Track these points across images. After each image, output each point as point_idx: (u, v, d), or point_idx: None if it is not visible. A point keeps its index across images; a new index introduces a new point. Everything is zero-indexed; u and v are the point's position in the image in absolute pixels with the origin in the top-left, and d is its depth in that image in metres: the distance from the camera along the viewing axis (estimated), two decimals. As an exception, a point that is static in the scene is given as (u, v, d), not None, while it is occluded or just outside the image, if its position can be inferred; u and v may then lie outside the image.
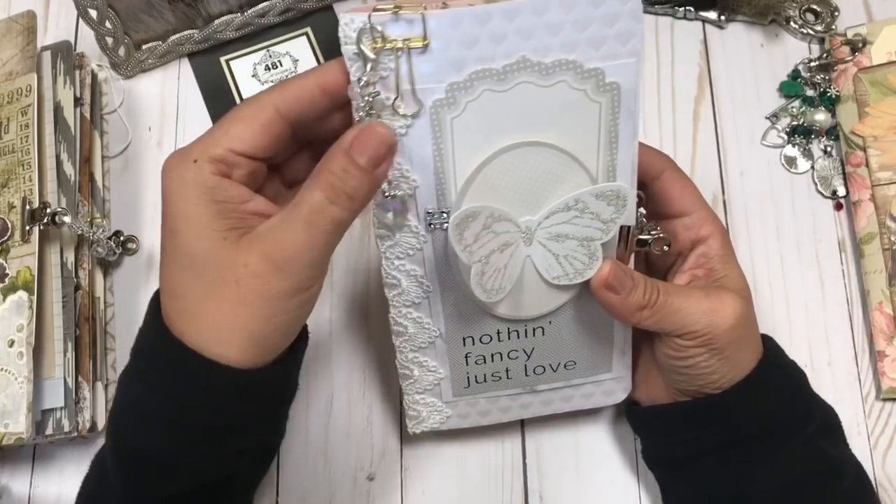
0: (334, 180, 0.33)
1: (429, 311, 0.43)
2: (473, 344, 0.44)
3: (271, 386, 0.38)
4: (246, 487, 0.44)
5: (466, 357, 0.44)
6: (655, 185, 0.43)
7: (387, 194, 0.37)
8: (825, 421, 0.44)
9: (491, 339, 0.44)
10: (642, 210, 0.43)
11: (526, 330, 0.43)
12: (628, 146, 0.38)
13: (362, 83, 0.34)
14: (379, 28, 0.33)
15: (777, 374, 0.43)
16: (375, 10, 0.33)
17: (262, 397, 0.38)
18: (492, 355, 0.44)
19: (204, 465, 0.37)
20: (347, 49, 0.34)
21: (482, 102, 0.36)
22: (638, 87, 0.36)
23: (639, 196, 0.43)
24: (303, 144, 0.38)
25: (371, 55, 0.34)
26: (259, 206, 0.36)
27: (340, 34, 0.34)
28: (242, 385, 0.35)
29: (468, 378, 0.45)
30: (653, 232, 0.42)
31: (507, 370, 0.45)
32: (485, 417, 0.47)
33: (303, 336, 0.41)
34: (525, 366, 0.45)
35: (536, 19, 0.34)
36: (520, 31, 0.34)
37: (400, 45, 0.34)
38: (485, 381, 0.45)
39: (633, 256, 0.42)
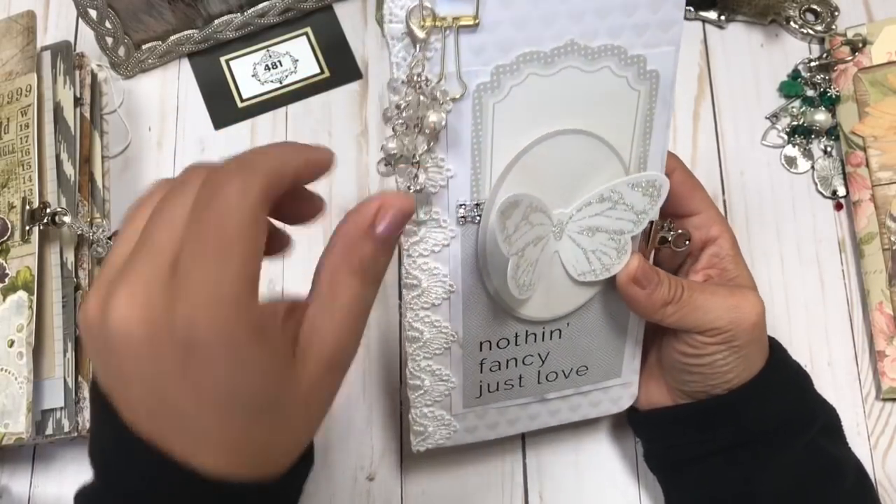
0: (368, 266, 0.31)
1: (448, 313, 0.41)
2: (490, 349, 0.42)
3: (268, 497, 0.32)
4: None
5: (482, 363, 0.43)
6: None
7: (413, 188, 0.35)
8: (828, 421, 0.44)
9: (508, 343, 0.42)
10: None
11: (544, 333, 0.42)
12: (661, 136, 0.38)
13: (413, 65, 0.33)
14: (428, 5, 0.32)
15: (785, 373, 0.43)
16: None
17: None
18: (507, 361, 0.43)
19: None
20: (394, 28, 0.33)
21: (527, 87, 0.35)
22: (675, 77, 0.36)
23: None
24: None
25: (420, 35, 0.32)
26: (277, 307, 0.30)
27: (386, 12, 0.32)
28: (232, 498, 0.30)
29: (481, 387, 0.44)
30: (669, 228, 0.42)
31: (520, 377, 0.44)
32: (492, 430, 0.46)
33: (307, 458, 0.34)
34: (538, 372, 0.44)
35: (586, 2, 0.33)
36: (570, 14, 0.33)
37: (449, 23, 0.32)
38: (497, 389, 0.44)
39: (652, 254, 0.42)
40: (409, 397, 0.44)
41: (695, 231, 0.43)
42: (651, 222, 0.40)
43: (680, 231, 0.42)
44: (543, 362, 0.43)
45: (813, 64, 0.55)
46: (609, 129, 0.37)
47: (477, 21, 0.33)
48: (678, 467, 0.45)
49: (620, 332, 0.44)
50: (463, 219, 0.38)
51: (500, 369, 0.43)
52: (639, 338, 0.44)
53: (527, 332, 0.42)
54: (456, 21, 0.32)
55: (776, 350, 0.43)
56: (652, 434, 0.46)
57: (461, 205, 0.37)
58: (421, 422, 0.44)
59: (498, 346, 0.42)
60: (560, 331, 0.42)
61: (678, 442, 0.44)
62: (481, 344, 0.42)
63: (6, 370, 0.47)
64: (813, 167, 0.55)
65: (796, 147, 0.55)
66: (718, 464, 0.42)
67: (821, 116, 0.55)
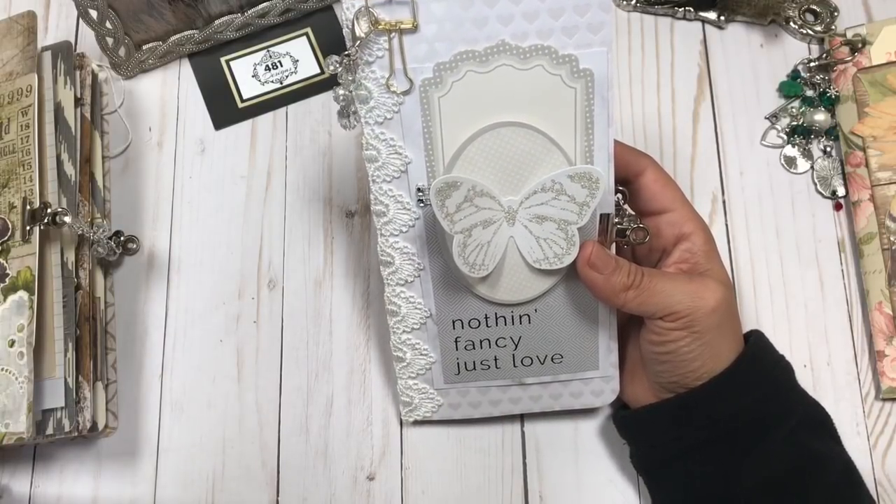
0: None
1: (420, 290, 0.45)
2: (462, 328, 0.45)
3: None
4: None
5: (456, 341, 0.46)
6: (638, 182, 0.44)
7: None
8: (808, 415, 0.44)
9: (479, 323, 0.45)
10: (627, 207, 0.44)
11: (512, 316, 0.45)
12: (603, 132, 0.40)
13: (344, 58, 0.38)
14: (374, 12, 0.37)
15: (756, 367, 0.43)
16: None
17: None
18: (480, 341, 0.46)
19: None
20: (347, 32, 0.38)
21: (466, 82, 0.39)
22: (611, 76, 0.39)
23: (621, 192, 0.44)
24: None
25: (360, 34, 0.37)
26: None
27: (342, 17, 0.38)
28: None
29: (458, 364, 0.47)
30: (632, 224, 0.43)
31: (495, 358, 0.46)
32: (476, 409, 0.49)
33: None
34: (513, 355, 0.46)
35: (514, 6, 0.37)
36: (499, 17, 0.38)
37: (393, 25, 0.37)
38: (475, 368, 0.47)
39: (613, 247, 0.43)
40: (395, 368, 0.48)
41: (668, 227, 0.44)
42: (607, 215, 0.42)
43: (639, 226, 0.43)
44: (517, 346, 0.46)
45: (812, 64, 0.55)
46: (549, 123, 0.40)
47: (416, 24, 0.38)
48: (659, 467, 0.45)
49: (591, 323, 0.45)
50: (421, 202, 0.42)
51: (474, 349, 0.46)
52: (612, 332, 0.46)
53: (496, 314, 0.45)
54: (399, 24, 0.38)
55: (753, 343, 0.44)
56: (635, 434, 0.47)
57: (419, 189, 0.42)
58: (407, 393, 0.49)
59: (469, 325, 0.46)
60: (528, 316, 0.45)
61: (657, 441, 0.44)
62: (454, 322, 0.46)
63: (7, 370, 0.47)
64: (812, 167, 0.55)
65: (796, 147, 0.55)
66: (696, 461, 0.43)
67: (820, 117, 0.55)
